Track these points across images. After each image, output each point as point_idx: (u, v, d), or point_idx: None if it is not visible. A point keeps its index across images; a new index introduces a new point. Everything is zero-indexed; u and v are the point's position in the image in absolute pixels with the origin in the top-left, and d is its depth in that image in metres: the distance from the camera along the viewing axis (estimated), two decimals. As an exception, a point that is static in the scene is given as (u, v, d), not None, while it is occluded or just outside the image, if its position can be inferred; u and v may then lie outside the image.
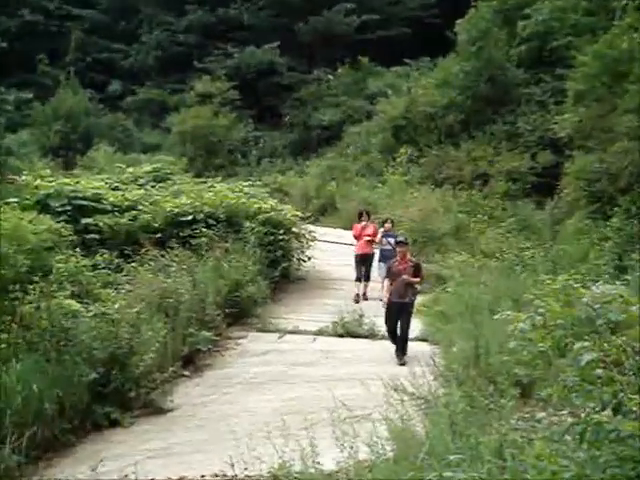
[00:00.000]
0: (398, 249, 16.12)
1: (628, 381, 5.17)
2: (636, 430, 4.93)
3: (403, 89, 40.97)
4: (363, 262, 21.12)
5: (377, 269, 20.90)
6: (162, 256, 18.10)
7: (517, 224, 26.34)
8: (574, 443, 5.31)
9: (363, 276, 21.00)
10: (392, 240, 19.76)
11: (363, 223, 21.49)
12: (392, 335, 15.30)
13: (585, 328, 5.39)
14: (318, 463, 8.67)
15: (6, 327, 12.29)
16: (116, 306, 14.05)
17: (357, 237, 21.54)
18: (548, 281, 5.19)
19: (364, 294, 20.78)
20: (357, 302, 20.25)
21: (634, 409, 5.06)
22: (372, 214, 30.13)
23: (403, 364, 14.17)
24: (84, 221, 19.12)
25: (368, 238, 21.12)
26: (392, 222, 21.93)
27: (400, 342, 15.08)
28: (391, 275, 15.63)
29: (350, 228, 31.49)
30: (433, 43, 44.61)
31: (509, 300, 15.36)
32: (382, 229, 21.34)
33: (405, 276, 15.21)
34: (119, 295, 15.22)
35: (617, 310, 5.23)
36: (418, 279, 15.58)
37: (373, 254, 21.33)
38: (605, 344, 5.31)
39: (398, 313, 15.19)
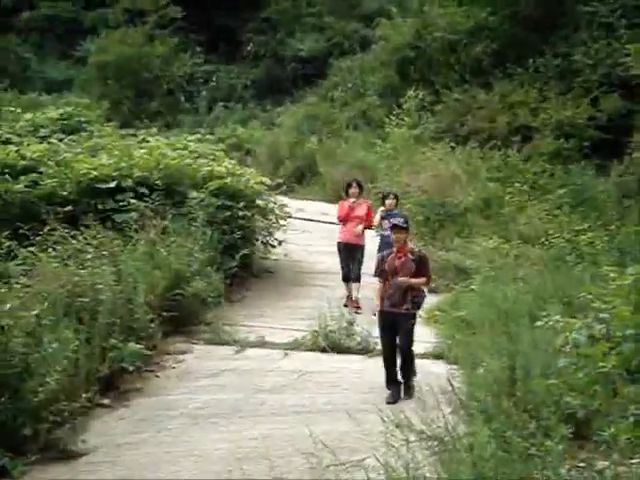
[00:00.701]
0: (394, 236, 14.91)
1: None
2: None
3: (413, 7, 40.91)
4: (350, 255, 20.62)
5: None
6: (73, 238, 17.92)
7: (571, 197, 26.50)
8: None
9: (352, 275, 20.62)
10: (400, 222, 19.61)
11: (352, 200, 20.80)
12: (387, 359, 14.28)
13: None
14: None
15: None
16: (7, 307, 13.76)
17: (343, 219, 20.80)
18: (613, 276, 5.13)
19: (355, 300, 20.40)
20: (347, 306, 20.07)
21: None
22: (368, 185, 30.38)
23: (393, 402, 13.56)
24: None
25: (359, 226, 20.52)
26: (396, 197, 21.26)
27: (399, 369, 14.21)
28: (383, 273, 14.58)
29: (337, 201, 31.71)
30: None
31: (558, 302, 15.41)
32: (382, 208, 20.69)
33: (401, 278, 14.22)
34: (11, 292, 14.90)
35: None
36: (423, 279, 14.53)
37: (364, 245, 20.81)
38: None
39: (393, 328, 14.20)
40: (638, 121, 27.74)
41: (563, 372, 9.42)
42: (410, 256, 14.44)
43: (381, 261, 14.75)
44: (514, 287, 17.50)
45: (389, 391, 13.99)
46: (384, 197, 21.06)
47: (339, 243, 20.87)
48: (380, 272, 14.64)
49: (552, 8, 35.37)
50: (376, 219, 20.53)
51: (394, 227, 14.94)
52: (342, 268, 20.79)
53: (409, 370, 14.22)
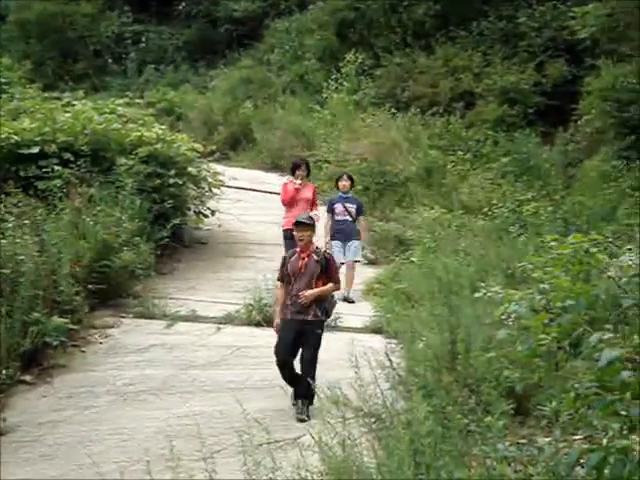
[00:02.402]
0: (297, 234, 13.44)
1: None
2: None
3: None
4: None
5: (333, 251, 19.02)
6: None
7: (514, 166, 26.74)
8: (590, 479, 5.38)
9: None
10: (353, 208, 19.58)
11: (298, 182, 19.78)
12: (284, 372, 12.97)
13: (607, 313, 5.46)
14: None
15: None
16: None
17: (288, 203, 19.82)
18: (553, 244, 5.19)
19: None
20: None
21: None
22: (304, 149, 30.33)
23: (303, 420, 12.28)
24: None
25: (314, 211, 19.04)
26: (351, 179, 20.83)
27: (302, 385, 12.49)
28: (286, 277, 13.28)
29: (273, 168, 31.72)
30: None
31: (500, 274, 15.52)
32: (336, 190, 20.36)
33: (306, 293, 12.90)
34: None
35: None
36: (330, 286, 13.22)
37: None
38: (635, 336, 5.38)
39: (297, 338, 12.89)
40: (584, 87, 27.92)
41: (503, 345, 9.50)
42: (315, 257, 13.18)
43: (283, 263, 13.46)
44: (456, 259, 17.58)
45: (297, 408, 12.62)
46: (337, 179, 20.70)
47: (285, 230, 19.50)
48: (282, 276, 13.40)
49: (498, -32, 35.58)
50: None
51: (296, 224, 13.55)
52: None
53: (308, 387, 11.91)
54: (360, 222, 19.41)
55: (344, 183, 20.04)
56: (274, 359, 13.52)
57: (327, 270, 13.12)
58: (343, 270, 18.82)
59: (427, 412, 10.32)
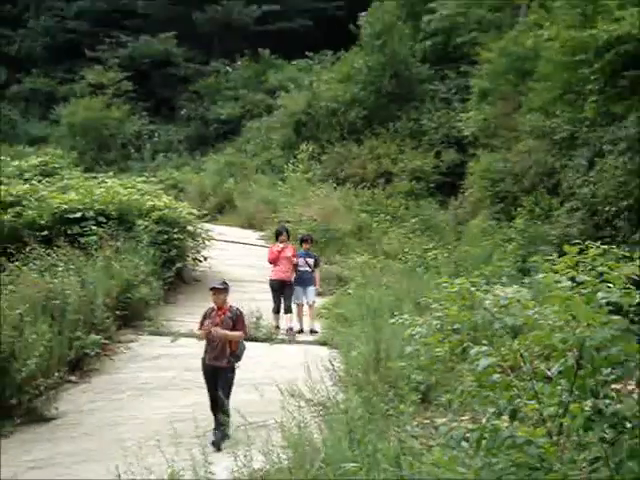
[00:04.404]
0: (212, 295, 12.50)
1: (524, 387, 5.30)
2: (531, 436, 5.05)
3: (305, 83, 41.12)
4: (282, 290, 18.69)
5: (294, 295, 18.75)
6: (48, 255, 17.89)
7: (420, 224, 26.80)
8: (472, 449, 5.41)
9: (283, 307, 18.64)
10: (311, 261, 19.05)
11: (281, 245, 19.01)
12: (212, 407, 11.90)
13: (483, 332, 5.50)
14: (210, 473, 8.70)
15: None
16: None
17: (273, 261, 18.98)
18: (446, 284, 5.29)
19: (290, 328, 18.32)
20: (290, 342, 17.86)
21: (530, 415, 5.19)
22: (270, 213, 30.20)
23: (219, 449, 11.04)
24: None
25: (288, 263, 18.82)
26: (311, 239, 20.07)
27: (217, 420, 11.59)
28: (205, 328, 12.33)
29: (249, 227, 31.68)
30: (336, 36, 44.80)
31: (410, 303, 15.52)
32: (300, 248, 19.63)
33: (219, 331, 11.97)
34: (1, 296, 14.95)
35: (514, 314, 5.34)
36: (239, 333, 12.18)
37: (292, 281, 18.81)
38: (502, 349, 5.42)
39: (214, 379, 11.96)
40: (468, 169, 28.12)
41: (412, 355, 9.53)
42: (228, 313, 12.23)
43: (204, 317, 12.48)
44: (379, 291, 17.51)
45: (215, 433, 11.53)
46: (302, 241, 19.80)
47: (272, 281, 18.85)
48: (202, 327, 12.40)
49: (406, 86, 35.90)
50: (295, 259, 18.98)
51: (212, 289, 12.53)
52: (274, 302, 18.65)
53: (219, 419, 11.38)
54: (316, 273, 19.20)
55: (306, 246, 19.30)
56: (251, 361, 13.53)
57: (236, 323, 12.16)
58: (305, 309, 18.72)
59: (358, 402, 10.36)
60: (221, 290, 12.40)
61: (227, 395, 11.75)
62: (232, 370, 12.04)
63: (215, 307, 12.38)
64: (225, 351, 11.99)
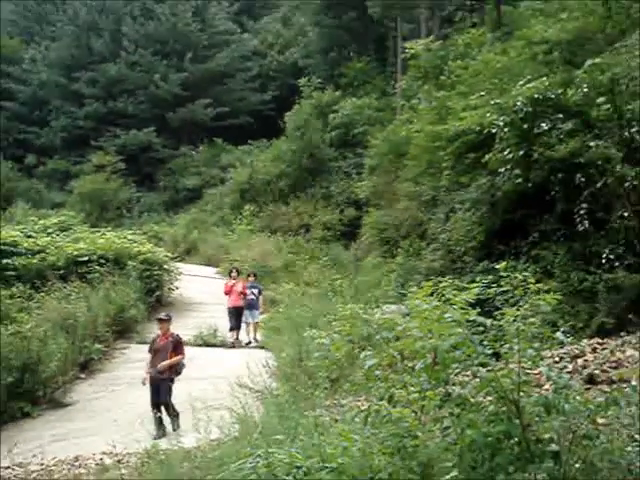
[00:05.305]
0: (159, 325, 12.06)
1: (397, 379, 5.38)
2: (401, 414, 5.13)
3: (247, 162, 41.02)
4: (237, 313, 18.41)
5: (244, 316, 18.53)
6: (64, 287, 17.96)
7: (330, 261, 26.78)
8: (361, 424, 5.46)
9: (235, 325, 18.33)
10: (256, 291, 18.78)
11: (233, 281, 18.90)
12: (155, 408, 11.23)
13: (368, 342, 5.57)
14: (180, 442, 8.69)
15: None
16: (28, 326, 14.04)
17: (227, 293, 18.78)
18: (341, 309, 5.35)
19: (237, 339, 18.23)
20: (234, 347, 17.78)
21: (401, 399, 5.27)
22: (223, 254, 30.02)
23: (158, 438, 10.35)
24: (4, 261, 19.13)
25: (239, 294, 18.59)
26: (255, 275, 19.72)
27: (168, 412, 11.28)
28: (152, 350, 11.75)
29: (209, 265, 31.46)
30: (269, 129, 45.02)
31: (323, 319, 15.56)
32: (249, 280, 19.38)
33: (161, 364, 11.40)
34: (31, 317, 15.18)
35: (389, 328, 5.44)
36: (178, 357, 11.61)
37: (243, 306, 18.53)
38: (382, 353, 5.50)
39: (157, 386, 11.38)
40: (363, 221, 28.35)
41: (320, 357, 9.57)
42: (170, 339, 11.67)
43: (152, 341, 12.00)
44: (301, 310, 17.48)
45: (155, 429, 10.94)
46: (249, 275, 19.60)
47: (229, 308, 18.55)
48: (151, 349, 11.80)
49: (318, 164, 36.10)
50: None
51: (159, 320, 12.15)
52: (230, 322, 18.37)
53: (170, 413, 11.19)
54: (260, 299, 18.93)
55: (251, 278, 19.21)
56: (209, 361, 13.54)
57: (175, 347, 11.60)
58: (251, 326, 18.53)
59: (286, 389, 10.38)
60: (165, 320, 11.94)
61: (166, 399, 11.30)
62: (171, 380, 11.47)
63: (160, 333, 11.85)
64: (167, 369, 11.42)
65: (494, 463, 4.68)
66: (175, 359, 11.52)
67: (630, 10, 15.89)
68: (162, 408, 11.24)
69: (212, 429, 8.82)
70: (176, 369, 11.60)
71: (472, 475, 4.70)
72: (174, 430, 11.00)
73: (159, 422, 11.03)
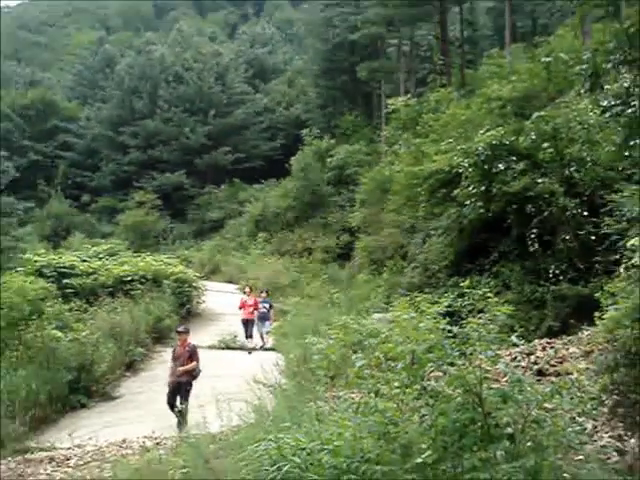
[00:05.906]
0: (178, 336, 11.70)
1: (383, 377, 5.39)
2: (385, 406, 5.14)
3: (260, 198, 41.15)
4: (249, 325, 18.13)
5: (255, 326, 18.24)
6: (112, 302, 17.98)
7: (329, 278, 26.71)
8: (354, 413, 5.47)
9: (248, 334, 18.06)
10: (267, 305, 18.55)
11: (246, 297, 18.64)
12: (171, 408, 10.93)
13: (358, 346, 5.59)
14: (207, 429, 8.63)
15: (15, 347, 12.89)
16: (84, 334, 14.12)
17: (241, 307, 18.51)
18: (336, 320, 5.36)
19: (254, 346, 17.84)
20: (250, 353, 17.27)
21: (386, 393, 5.28)
22: (241, 273, 29.90)
23: (183, 427, 10.03)
24: (64, 281, 19.13)
25: (251, 308, 18.30)
26: (267, 292, 19.52)
27: (179, 415, 10.57)
28: (173, 358, 11.43)
29: (230, 282, 31.37)
30: (278, 171, 44.97)
31: (324, 326, 15.47)
32: (259, 297, 18.96)
33: (179, 368, 11.06)
34: (86, 327, 15.20)
35: (375, 335, 5.46)
36: (193, 364, 11.15)
37: (254, 319, 18.22)
38: (370, 355, 5.51)
39: (176, 390, 11.05)
40: (355, 245, 28.21)
41: (318, 360, 9.50)
42: (187, 348, 11.29)
43: (173, 350, 11.68)
44: (306, 319, 17.33)
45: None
46: (261, 292, 19.41)
47: (242, 319, 18.33)
48: (172, 357, 11.45)
49: (318, 199, 35.98)
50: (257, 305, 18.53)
51: (178, 332, 11.80)
52: (245, 332, 18.11)
53: (183, 415, 10.43)
54: (271, 312, 18.71)
55: (264, 295, 19.01)
56: (230, 362, 13.42)
57: (191, 355, 11.18)
58: (264, 335, 18.27)
59: (293, 385, 10.34)
60: (183, 332, 11.57)
61: (184, 398, 10.90)
62: (189, 384, 11.06)
63: (179, 344, 11.48)
64: (185, 375, 11.05)
65: (462, 444, 4.70)
66: (190, 365, 11.16)
67: (566, 74, 16.31)
68: (177, 403, 10.89)
69: (233, 417, 8.76)
70: (192, 374, 11.20)
71: (444, 454, 4.72)
72: (178, 428, 10.27)
73: (180, 415, 10.58)
